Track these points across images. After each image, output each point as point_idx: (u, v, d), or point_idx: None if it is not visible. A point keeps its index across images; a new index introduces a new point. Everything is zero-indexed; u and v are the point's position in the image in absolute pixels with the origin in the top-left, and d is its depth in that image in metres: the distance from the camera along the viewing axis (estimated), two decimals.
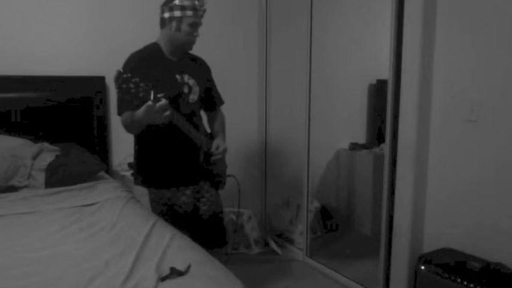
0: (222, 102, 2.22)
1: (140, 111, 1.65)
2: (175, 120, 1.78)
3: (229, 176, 2.19)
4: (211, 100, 2.15)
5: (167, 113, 1.64)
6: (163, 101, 1.60)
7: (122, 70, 1.57)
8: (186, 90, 1.96)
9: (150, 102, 1.58)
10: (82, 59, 2.69)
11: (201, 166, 2.02)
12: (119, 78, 1.54)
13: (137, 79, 1.55)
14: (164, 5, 1.89)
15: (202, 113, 2.16)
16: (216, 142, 2.05)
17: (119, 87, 1.55)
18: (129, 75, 1.55)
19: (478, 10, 1.90)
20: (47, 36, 2.59)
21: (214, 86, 2.18)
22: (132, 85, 1.55)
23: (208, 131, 2.18)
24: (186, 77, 1.97)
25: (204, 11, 1.91)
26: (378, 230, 2.42)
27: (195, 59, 2.09)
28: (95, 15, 2.73)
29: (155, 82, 1.65)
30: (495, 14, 1.84)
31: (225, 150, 2.06)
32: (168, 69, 1.92)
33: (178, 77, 1.94)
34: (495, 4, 1.84)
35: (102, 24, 2.75)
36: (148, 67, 1.84)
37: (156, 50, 1.93)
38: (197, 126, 2.00)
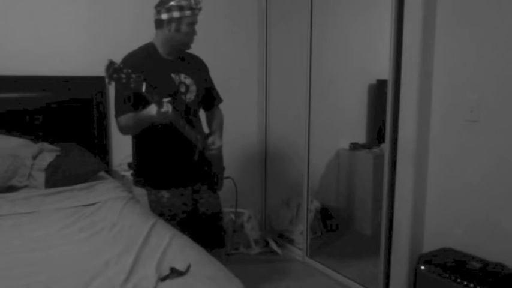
0: (220, 101, 2.22)
1: (149, 113, 1.70)
2: (174, 121, 1.80)
3: (227, 178, 2.19)
4: (209, 99, 2.15)
5: (170, 118, 1.74)
6: (170, 107, 1.68)
7: (112, 60, 1.57)
8: (182, 89, 1.96)
9: (164, 109, 1.67)
10: (82, 59, 2.69)
11: (199, 167, 2.01)
12: (110, 68, 1.54)
13: (129, 70, 1.56)
14: (160, 5, 1.86)
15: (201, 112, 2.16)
16: (211, 138, 2.05)
17: (109, 77, 1.55)
18: (120, 65, 1.56)
19: (478, 10, 1.90)
20: (47, 37, 2.59)
21: (213, 84, 2.18)
22: (123, 75, 1.55)
23: (207, 130, 2.17)
24: (182, 76, 1.96)
25: (200, 9, 1.90)
26: (378, 230, 2.42)
27: (192, 58, 2.09)
28: (95, 16, 2.73)
29: (151, 81, 1.66)
30: (495, 14, 1.84)
31: (220, 147, 2.06)
32: (164, 69, 1.92)
33: (174, 76, 1.94)
34: (495, 4, 1.84)
35: (102, 24, 2.75)
36: (144, 67, 1.84)
37: (151, 50, 1.93)
38: (193, 126, 2.00)
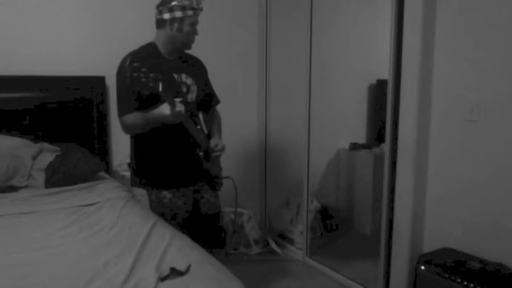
0: (218, 102, 2.22)
1: (161, 113, 1.70)
2: (184, 121, 1.81)
3: (226, 177, 2.19)
4: (208, 100, 2.15)
5: (183, 118, 1.75)
6: (182, 107, 1.69)
7: (131, 58, 1.58)
8: (184, 89, 1.96)
9: (178, 109, 1.67)
10: (82, 59, 2.69)
11: (200, 167, 2.02)
12: (130, 67, 1.54)
13: (146, 69, 1.56)
14: (161, 5, 1.87)
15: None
16: (213, 141, 2.06)
17: (130, 75, 1.56)
18: (139, 64, 1.56)
19: (478, 10, 1.90)
20: (47, 37, 2.59)
21: (211, 85, 2.18)
22: (142, 74, 1.56)
23: (205, 131, 2.18)
24: (183, 77, 1.97)
25: (202, 9, 1.91)
26: (378, 230, 2.42)
27: (192, 59, 2.09)
28: (95, 15, 2.73)
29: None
30: (495, 14, 1.84)
31: (223, 149, 2.07)
32: (165, 69, 1.92)
33: (176, 76, 1.94)
34: (495, 4, 1.84)
35: (102, 24, 2.75)
36: (145, 66, 1.83)
37: (153, 49, 1.93)
38: (196, 125, 2.00)
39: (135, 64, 1.56)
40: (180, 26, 1.87)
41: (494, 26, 1.85)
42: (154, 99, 1.71)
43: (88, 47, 2.71)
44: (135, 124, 1.83)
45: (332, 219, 3.41)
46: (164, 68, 1.91)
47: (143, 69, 1.56)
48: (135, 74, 1.55)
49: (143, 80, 1.56)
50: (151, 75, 1.57)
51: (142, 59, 1.79)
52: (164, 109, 1.70)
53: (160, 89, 1.59)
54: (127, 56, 1.86)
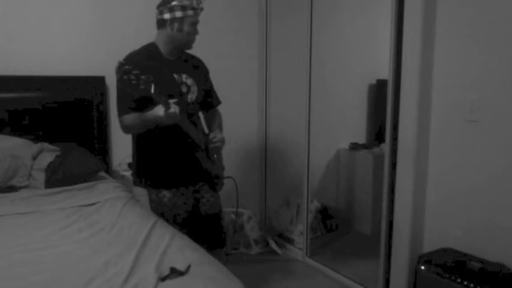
0: (219, 102, 2.22)
1: (156, 114, 1.70)
2: (180, 122, 1.80)
3: (227, 177, 2.19)
4: (208, 100, 2.15)
5: (177, 119, 1.74)
6: (177, 108, 1.68)
7: (122, 61, 1.58)
8: (184, 89, 1.96)
9: (172, 110, 1.66)
10: (82, 59, 2.69)
11: (200, 167, 2.02)
12: (120, 69, 1.54)
13: (138, 71, 1.56)
14: (162, 5, 1.87)
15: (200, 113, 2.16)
16: (212, 134, 2.06)
17: (120, 79, 1.56)
18: (130, 66, 1.56)
19: (478, 10, 1.90)
20: (47, 37, 2.59)
21: (212, 85, 2.18)
22: (133, 77, 1.56)
23: (206, 131, 2.17)
24: (184, 77, 1.97)
25: (202, 9, 1.91)
26: (378, 230, 2.42)
27: (192, 58, 2.09)
28: (95, 16, 2.73)
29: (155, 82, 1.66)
30: (495, 14, 1.84)
31: (222, 140, 2.06)
32: (166, 69, 1.92)
33: (176, 76, 1.94)
34: (495, 4, 1.84)
35: (102, 24, 2.75)
36: (147, 66, 1.83)
37: (153, 50, 1.93)
38: (195, 126, 2.00)
39: (126, 67, 1.55)
40: (181, 25, 1.87)
41: (494, 26, 1.85)
42: (151, 101, 1.71)
43: (88, 47, 2.71)
44: (133, 124, 1.84)
45: (332, 219, 3.40)
46: (164, 68, 1.91)
47: (134, 72, 1.56)
48: (125, 77, 1.55)
49: (133, 82, 1.56)
50: (142, 77, 1.57)
51: (137, 61, 1.79)
52: (158, 110, 1.70)
53: (152, 91, 1.59)
54: (127, 56, 1.87)
